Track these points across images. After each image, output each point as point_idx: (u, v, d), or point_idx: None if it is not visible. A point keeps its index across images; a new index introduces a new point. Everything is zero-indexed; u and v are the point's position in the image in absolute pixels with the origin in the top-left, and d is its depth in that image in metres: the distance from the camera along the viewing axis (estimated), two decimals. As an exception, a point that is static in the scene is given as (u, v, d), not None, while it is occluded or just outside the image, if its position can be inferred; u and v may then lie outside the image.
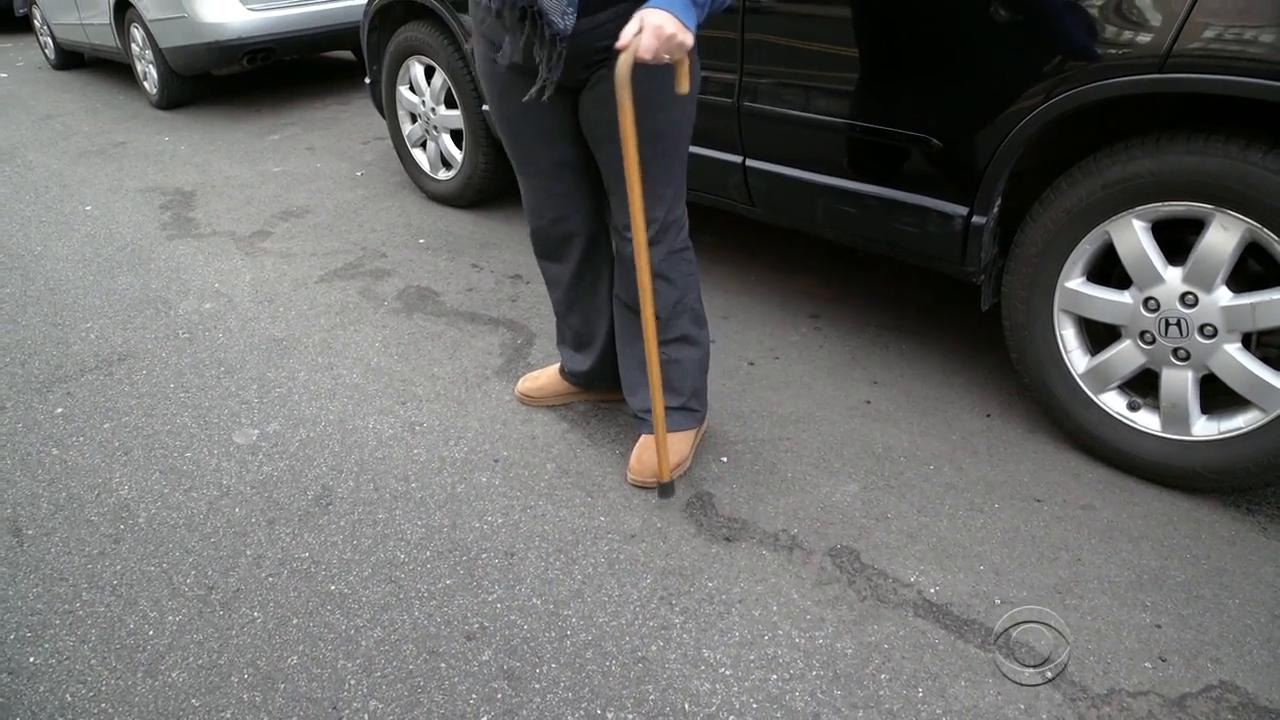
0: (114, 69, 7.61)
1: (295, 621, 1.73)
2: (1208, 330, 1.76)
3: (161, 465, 2.23)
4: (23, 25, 9.70)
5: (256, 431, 2.34)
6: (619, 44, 1.48)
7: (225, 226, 3.82)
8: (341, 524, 1.98)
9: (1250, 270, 1.76)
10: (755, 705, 1.50)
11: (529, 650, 1.63)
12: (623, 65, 1.48)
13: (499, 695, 1.55)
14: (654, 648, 1.62)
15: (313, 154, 4.81)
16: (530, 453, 2.18)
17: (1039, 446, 2.10)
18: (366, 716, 1.53)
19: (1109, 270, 1.93)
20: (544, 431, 2.26)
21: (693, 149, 2.56)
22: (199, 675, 1.63)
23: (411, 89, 3.70)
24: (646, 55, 1.44)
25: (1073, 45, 1.74)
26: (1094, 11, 1.70)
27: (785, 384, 2.40)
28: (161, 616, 1.77)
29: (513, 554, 1.86)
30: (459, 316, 2.87)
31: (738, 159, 2.47)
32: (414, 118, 3.79)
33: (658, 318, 1.93)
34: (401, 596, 1.77)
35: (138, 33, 5.93)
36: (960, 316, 2.65)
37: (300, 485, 2.12)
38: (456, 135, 3.63)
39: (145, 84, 6.23)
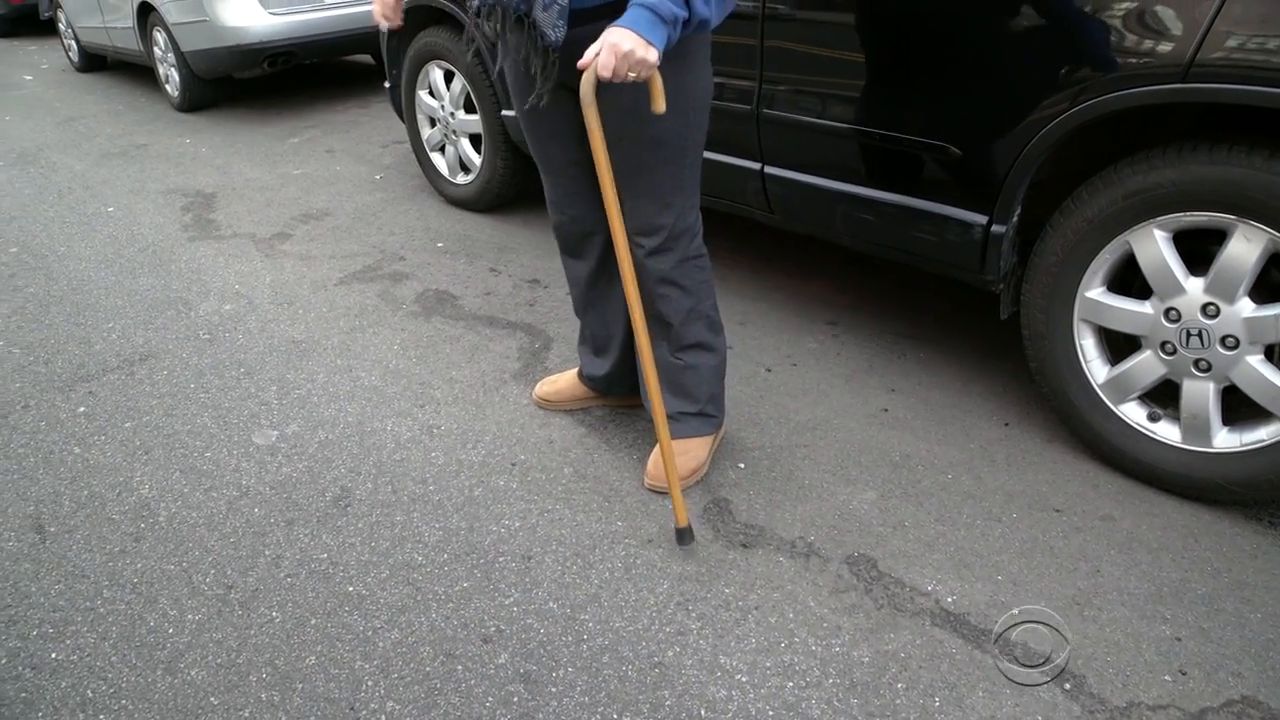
0: (136, 72, 7.69)
1: (313, 622, 1.75)
2: (1229, 341, 1.75)
3: (182, 465, 2.25)
4: (48, 28, 9.82)
5: (276, 433, 2.36)
6: (580, 64, 1.49)
7: (245, 228, 3.85)
8: (359, 525, 2.00)
9: (1273, 281, 1.75)
10: (771, 712, 1.50)
11: (545, 654, 1.64)
12: (585, 85, 1.51)
13: (515, 698, 1.56)
14: (670, 653, 1.62)
15: (332, 157, 4.84)
16: (548, 457, 2.18)
17: (1058, 456, 2.09)
18: (384, 717, 1.54)
19: (1130, 280, 1.92)
20: (561, 436, 2.26)
21: (711, 155, 2.56)
22: (218, 674, 1.65)
23: (431, 93, 3.72)
24: (605, 73, 1.45)
25: (1094, 54, 1.74)
26: (1116, 20, 1.70)
27: (802, 391, 2.40)
28: (181, 615, 1.79)
29: (530, 558, 1.87)
30: (477, 320, 2.89)
31: (756, 165, 2.47)
32: (433, 122, 3.81)
33: (670, 325, 1.95)
34: (419, 598, 1.78)
35: (160, 36, 5.99)
36: (978, 325, 2.65)
37: (319, 487, 2.13)
38: (475, 140, 3.65)
39: (167, 87, 6.29)
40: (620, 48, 1.43)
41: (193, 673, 1.65)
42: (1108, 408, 1.98)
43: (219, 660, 1.68)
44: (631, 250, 1.94)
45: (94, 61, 8.08)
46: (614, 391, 2.26)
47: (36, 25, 10.49)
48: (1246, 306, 1.72)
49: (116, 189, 4.53)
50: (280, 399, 2.51)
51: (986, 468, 2.07)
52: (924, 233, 2.15)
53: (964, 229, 2.06)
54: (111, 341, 2.91)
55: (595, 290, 2.12)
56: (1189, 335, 1.80)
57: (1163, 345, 1.85)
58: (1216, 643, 1.59)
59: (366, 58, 7.29)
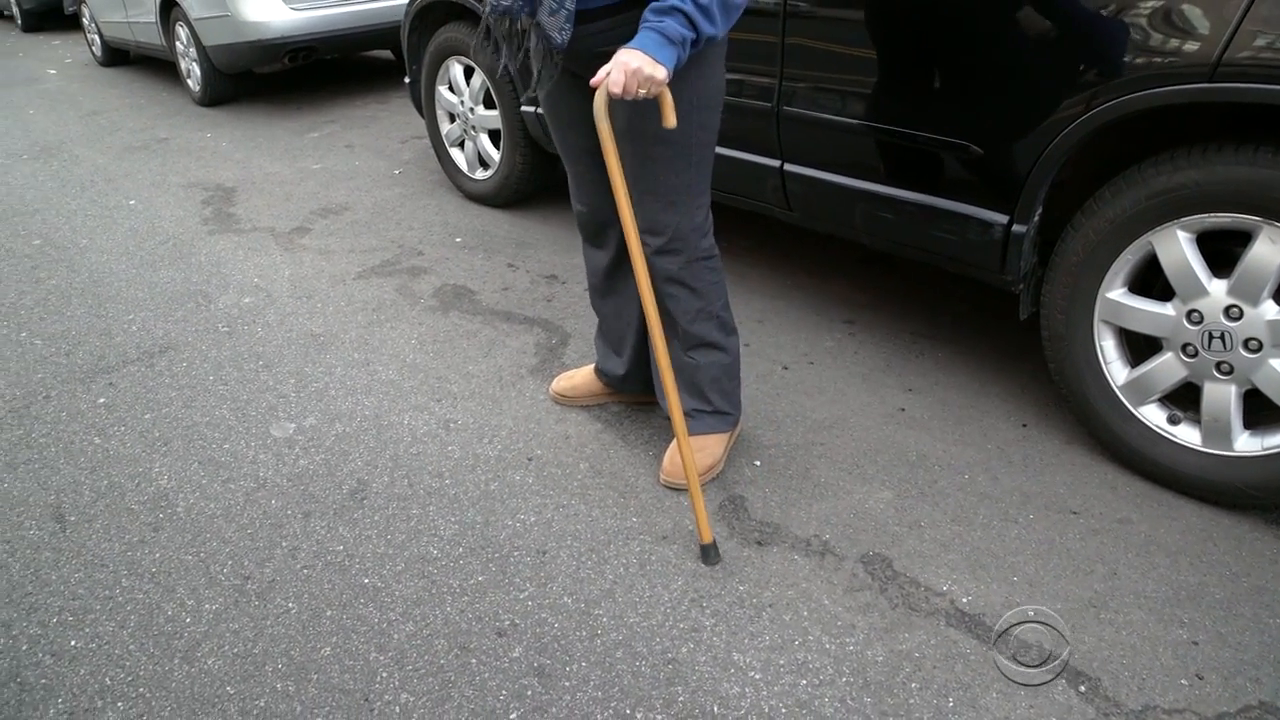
0: (158, 66, 7.75)
1: (329, 613, 1.76)
2: (1253, 344, 1.73)
3: (200, 456, 2.27)
4: (72, 23, 9.91)
5: (294, 425, 2.37)
6: (593, 81, 1.55)
7: (265, 222, 3.87)
8: (376, 518, 2.01)
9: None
10: (784, 710, 1.50)
11: (559, 648, 1.64)
12: (597, 102, 1.58)
13: (529, 692, 1.56)
14: (684, 649, 1.62)
15: (352, 152, 4.87)
16: (564, 452, 2.19)
17: (1075, 458, 2.08)
18: (398, 709, 1.55)
19: (1151, 281, 1.90)
20: (578, 431, 2.27)
21: (730, 152, 2.56)
22: (234, 663, 1.66)
23: (450, 89, 3.73)
24: (616, 89, 1.51)
25: (1119, 52, 1.72)
26: (1141, 19, 1.68)
27: (819, 389, 2.39)
28: (199, 605, 1.80)
29: (545, 552, 1.87)
30: (494, 315, 2.89)
31: (775, 163, 2.47)
32: (452, 117, 3.82)
33: (679, 324, 1.94)
34: (434, 591, 1.79)
35: (182, 31, 6.03)
36: (997, 325, 2.63)
37: (336, 479, 2.15)
38: (494, 135, 3.66)
39: (189, 81, 6.34)
40: (629, 65, 1.49)
41: (209, 662, 1.67)
42: (1127, 410, 1.97)
43: (235, 650, 1.69)
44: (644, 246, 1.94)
45: (117, 56, 8.14)
46: (629, 388, 2.27)
47: (61, 20, 10.60)
48: (1271, 309, 1.70)
49: (138, 182, 4.57)
50: (298, 392, 2.52)
51: (1003, 468, 2.06)
52: (944, 232, 2.14)
53: (984, 228, 2.05)
54: (132, 333, 2.93)
55: (611, 281, 2.13)
56: (1211, 337, 1.78)
57: (1184, 347, 1.83)
58: (1234, 648, 1.57)
59: (386, 53, 7.33)
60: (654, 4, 1.53)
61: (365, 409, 2.42)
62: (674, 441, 2.06)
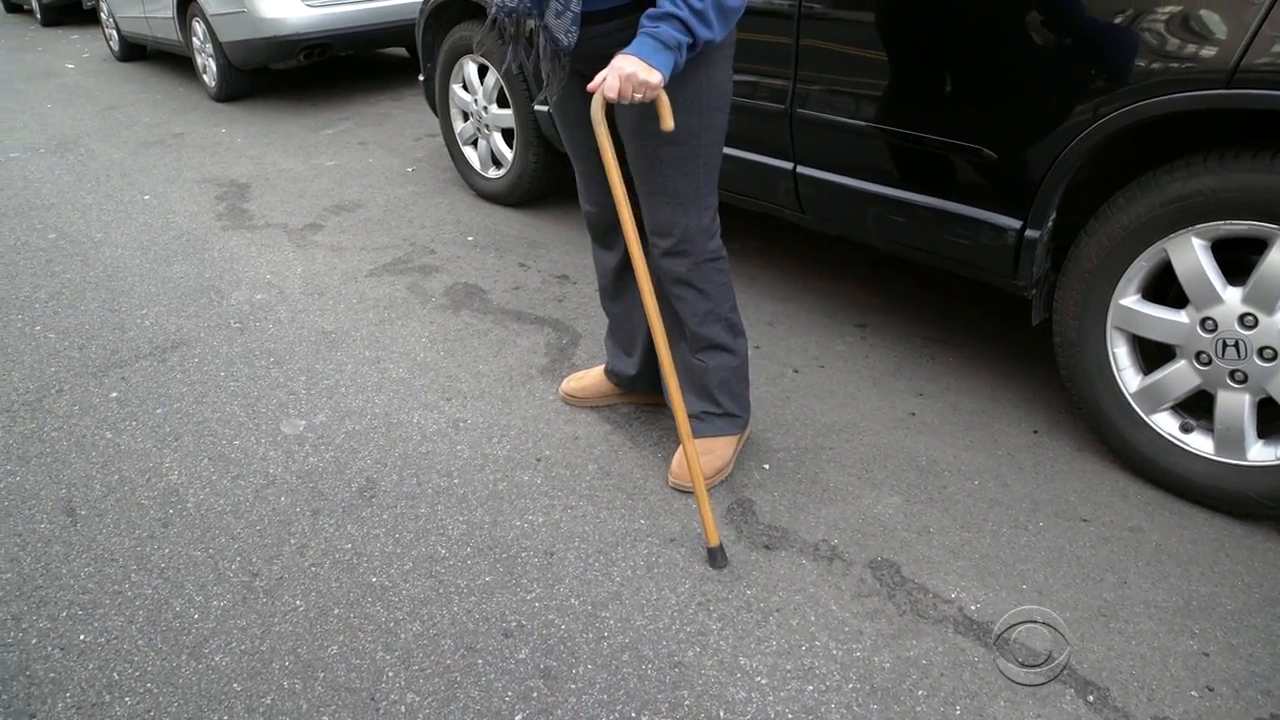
0: (175, 61, 7.79)
1: (336, 611, 1.76)
2: (1267, 353, 1.72)
3: (211, 452, 2.28)
4: (90, 17, 9.96)
5: (304, 422, 2.38)
6: (590, 87, 1.58)
7: (278, 219, 3.89)
8: (384, 517, 2.01)
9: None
10: (790, 715, 1.50)
11: (566, 650, 1.64)
12: (595, 106, 1.60)
13: (534, 694, 1.56)
14: (690, 653, 1.62)
15: (365, 149, 4.88)
16: (572, 453, 2.19)
17: (1087, 465, 2.06)
18: (404, 709, 1.55)
19: (1165, 288, 1.89)
20: (587, 432, 2.27)
21: (743, 154, 2.56)
22: (241, 660, 1.67)
23: (464, 87, 3.73)
24: (610, 94, 1.53)
25: (1135, 57, 1.71)
26: (1158, 24, 1.67)
27: (829, 393, 2.38)
28: (207, 601, 1.81)
29: (552, 553, 1.87)
30: (505, 315, 2.90)
31: (788, 165, 2.46)
32: (466, 116, 3.83)
33: (687, 326, 1.94)
34: (441, 591, 1.79)
35: (199, 26, 6.06)
36: (1009, 330, 2.62)
37: (345, 477, 2.15)
38: (507, 134, 3.66)
39: (204, 77, 6.36)
40: (623, 70, 1.51)
41: (217, 658, 1.67)
42: (1139, 417, 1.95)
43: (243, 647, 1.69)
44: (647, 250, 1.94)
45: (134, 51, 8.19)
46: (639, 389, 2.26)
47: (80, 14, 10.66)
48: (1286, 318, 1.69)
49: (153, 177, 4.59)
50: (309, 389, 2.53)
51: (1014, 475, 2.04)
52: (956, 236, 2.13)
53: (997, 233, 2.03)
54: (145, 328, 2.95)
55: (621, 282, 2.13)
56: (1225, 346, 1.76)
57: (1198, 355, 1.82)
58: (1245, 659, 1.56)
59: (401, 50, 7.34)
60: (650, 10, 1.54)
61: (375, 407, 2.43)
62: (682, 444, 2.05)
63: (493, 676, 1.60)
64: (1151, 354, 1.96)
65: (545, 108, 3.21)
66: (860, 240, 2.44)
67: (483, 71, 3.60)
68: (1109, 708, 1.48)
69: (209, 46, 6.02)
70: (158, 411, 2.47)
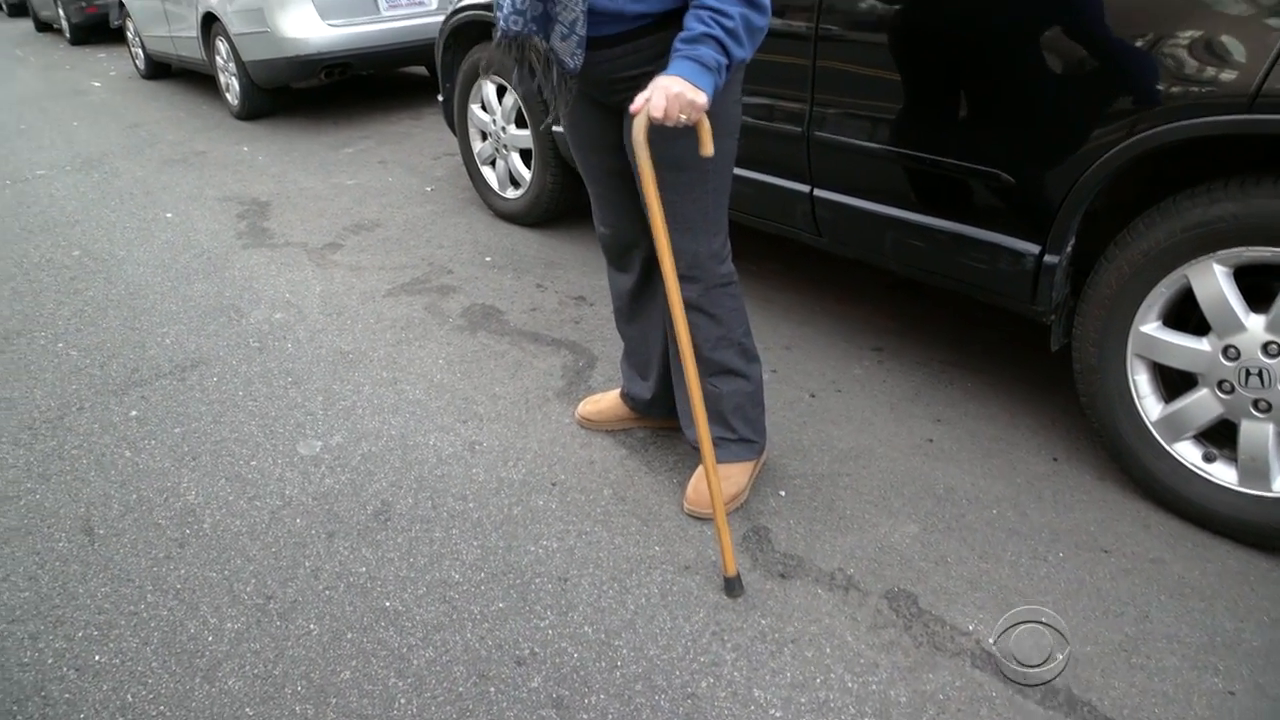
0: (198, 80, 7.88)
1: (349, 636, 1.76)
2: (1292, 383, 1.69)
3: (228, 472, 2.29)
4: (117, 36, 10.10)
5: (320, 443, 2.39)
6: (632, 109, 1.55)
7: (298, 237, 3.92)
8: (399, 540, 2.01)
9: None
10: (805, 749, 1.48)
11: (578, 679, 1.63)
12: (637, 128, 1.56)
13: (547, 723, 1.55)
14: (704, 684, 1.61)
15: (385, 168, 4.91)
16: (588, 478, 2.18)
17: (1107, 494, 2.04)
18: (415, 737, 1.54)
19: (1187, 315, 1.87)
20: (602, 457, 2.26)
21: (760, 177, 2.55)
22: (254, 684, 1.66)
23: (483, 107, 3.76)
24: (657, 114, 1.50)
25: (1155, 82, 1.70)
26: (1179, 48, 1.66)
27: (847, 418, 2.37)
28: (221, 623, 1.81)
29: (566, 580, 1.87)
30: (522, 336, 2.90)
31: (805, 188, 2.45)
32: (484, 136, 3.85)
33: (700, 351, 1.93)
34: (455, 617, 1.79)
35: (222, 46, 6.13)
36: (1028, 355, 2.59)
37: (360, 499, 2.15)
38: (525, 154, 3.68)
39: (227, 95, 6.44)
40: (670, 90, 1.48)
41: (230, 682, 1.67)
42: (1161, 446, 1.92)
43: (256, 671, 1.69)
44: (661, 276, 1.94)
45: (159, 69, 8.30)
46: (654, 412, 2.26)
47: (107, 33, 10.81)
48: (1311, 347, 1.66)
49: (175, 195, 4.64)
50: (326, 410, 2.54)
51: (1033, 504, 2.02)
52: (974, 261, 2.12)
53: (1015, 258, 2.02)
54: (165, 347, 2.97)
55: (636, 304, 2.13)
56: (1248, 374, 1.74)
57: (1220, 384, 1.79)
58: (1272, 699, 1.53)
59: (421, 69, 7.39)
60: (683, 34, 1.53)
61: (392, 428, 2.43)
62: (698, 469, 2.04)
63: (505, 705, 1.59)
64: (1173, 382, 1.93)
65: (562, 129, 3.22)
66: (878, 264, 2.43)
67: (501, 92, 3.63)
68: (1130, 745, 1.45)
69: (232, 65, 6.09)
70: (176, 430, 2.49)
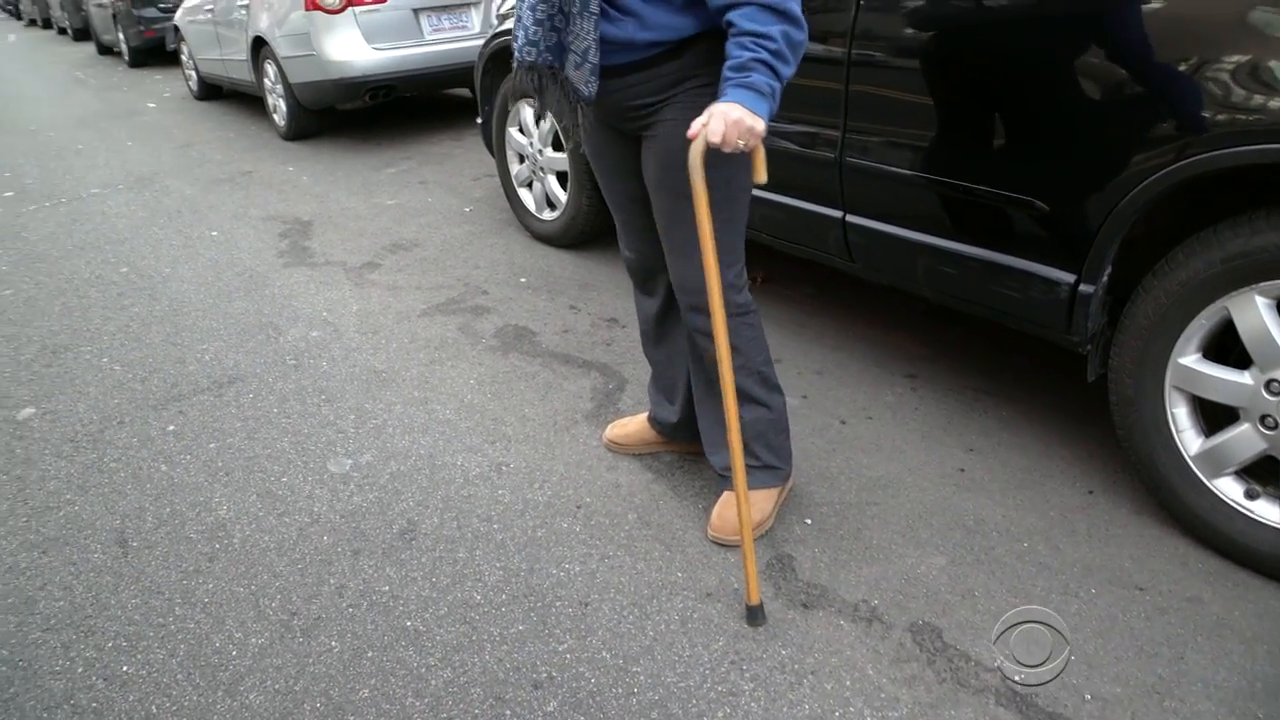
0: (247, 101, 8.07)
1: (370, 654, 1.76)
2: (1336, 420, 1.64)
3: (259, 488, 2.32)
4: (173, 59, 10.40)
5: (350, 461, 2.41)
6: (690, 133, 1.55)
7: (338, 257, 3.98)
8: (423, 560, 2.02)
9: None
10: (823, 784, 1.45)
11: (595, 705, 1.62)
12: (694, 153, 1.55)
13: (562, 749, 1.54)
14: (720, 714, 1.58)
15: (425, 188, 4.98)
16: (613, 501, 2.17)
17: (1144, 529, 1.98)
18: (431, 758, 1.54)
19: (1228, 347, 1.82)
20: (628, 480, 2.25)
21: (793, 202, 2.55)
22: (274, 700, 1.68)
23: (521, 131, 3.80)
24: (715, 139, 1.50)
25: (1200, 108, 1.66)
26: (1224, 74, 1.62)
27: (877, 446, 2.34)
28: (245, 638, 1.83)
29: (587, 604, 1.86)
30: (553, 358, 2.91)
31: (838, 214, 2.44)
32: (522, 158, 3.89)
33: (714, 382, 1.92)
34: (474, 638, 1.78)
35: (271, 68, 6.28)
36: (1064, 384, 2.54)
37: (387, 518, 2.17)
38: (562, 177, 3.70)
39: (275, 116, 6.58)
40: (729, 115, 1.48)
41: (251, 696, 1.69)
42: (1200, 481, 1.87)
43: (277, 686, 1.70)
44: (679, 303, 1.94)
45: (211, 91, 8.53)
46: (682, 436, 2.25)
47: (164, 56, 11.15)
48: (1356, 383, 1.61)
49: (221, 214, 4.74)
50: (357, 428, 2.57)
51: (1066, 538, 1.97)
52: (1008, 289, 2.08)
53: (1050, 287, 1.98)
54: (205, 363, 3.03)
55: (662, 328, 2.13)
56: (1292, 410, 1.69)
57: (1263, 419, 1.74)
58: (1312, 746, 1.47)
59: (464, 91, 7.50)
60: (730, 62, 1.52)
61: (421, 448, 2.45)
62: (724, 496, 2.02)
63: (521, 729, 1.58)
64: (1214, 415, 1.88)
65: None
66: (911, 290, 2.41)
67: (539, 115, 3.66)
68: (1161, 792, 1.41)
69: (279, 87, 6.23)
70: (211, 446, 2.53)
